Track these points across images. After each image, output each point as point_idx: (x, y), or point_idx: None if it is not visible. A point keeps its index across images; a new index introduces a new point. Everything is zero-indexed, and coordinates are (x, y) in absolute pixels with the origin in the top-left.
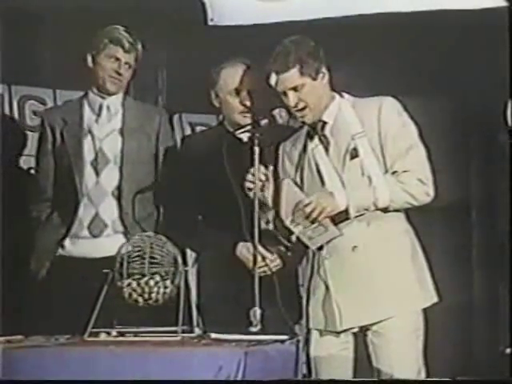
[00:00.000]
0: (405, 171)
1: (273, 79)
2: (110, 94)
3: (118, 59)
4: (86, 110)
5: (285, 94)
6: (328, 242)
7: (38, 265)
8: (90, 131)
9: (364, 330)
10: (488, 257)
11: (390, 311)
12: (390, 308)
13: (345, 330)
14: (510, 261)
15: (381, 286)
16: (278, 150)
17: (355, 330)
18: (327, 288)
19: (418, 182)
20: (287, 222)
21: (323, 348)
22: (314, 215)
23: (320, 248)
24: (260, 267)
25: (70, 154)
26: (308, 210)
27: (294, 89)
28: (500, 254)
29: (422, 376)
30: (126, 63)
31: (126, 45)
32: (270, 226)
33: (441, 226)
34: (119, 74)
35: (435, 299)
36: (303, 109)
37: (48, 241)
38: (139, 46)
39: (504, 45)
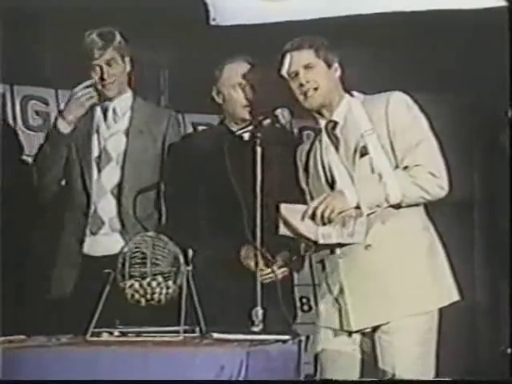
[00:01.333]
0: (416, 165)
1: (286, 60)
2: (111, 99)
3: (97, 66)
4: (98, 110)
5: (296, 74)
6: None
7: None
8: (97, 131)
9: (374, 329)
10: (490, 256)
11: (403, 311)
12: (403, 308)
13: (359, 330)
14: (510, 259)
15: (395, 285)
16: (295, 156)
17: (367, 330)
18: (342, 288)
19: (429, 176)
20: (321, 241)
21: (336, 348)
22: (327, 215)
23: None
24: (265, 275)
25: (79, 151)
26: (319, 211)
27: (306, 66)
28: (501, 254)
29: (431, 376)
30: (107, 62)
31: (96, 52)
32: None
33: (443, 224)
34: (104, 79)
35: (455, 298)
36: (313, 90)
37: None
38: (112, 37)
39: (504, 45)
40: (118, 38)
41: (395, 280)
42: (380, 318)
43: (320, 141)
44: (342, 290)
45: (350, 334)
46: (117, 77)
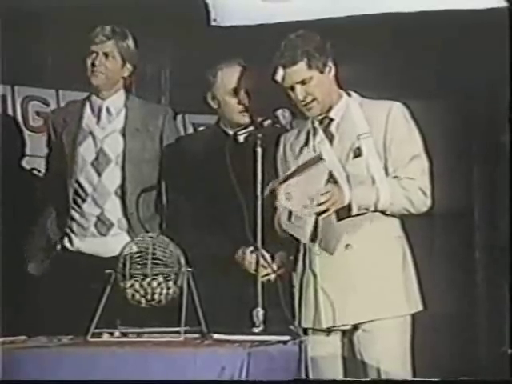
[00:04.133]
0: (408, 178)
1: (279, 74)
2: (98, 91)
3: (93, 52)
4: (87, 111)
5: (292, 88)
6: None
7: (38, 263)
8: (90, 132)
9: (352, 328)
10: (490, 257)
11: (377, 312)
12: (377, 309)
13: (331, 328)
14: (510, 261)
15: (370, 287)
16: (279, 140)
17: (345, 327)
18: (317, 285)
19: (419, 191)
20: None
21: (314, 347)
22: (328, 205)
23: (312, 239)
24: (264, 275)
25: (67, 153)
26: (323, 199)
27: (302, 82)
28: (501, 256)
29: (408, 371)
30: (105, 54)
31: (99, 37)
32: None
33: (443, 228)
34: (95, 66)
35: (420, 307)
36: (311, 102)
37: (49, 240)
38: (118, 33)
39: (504, 45)
40: (129, 41)
41: (372, 282)
42: (352, 318)
43: (315, 135)
44: (316, 287)
45: (326, 333)
46: (108, 70)
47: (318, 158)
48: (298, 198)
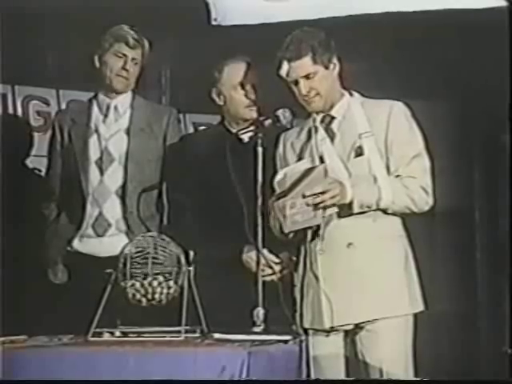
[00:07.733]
0: (409, 177)
1: (284, 68)
2: (117, 93)
3: (124, 55)
4: (95, 110)
5: (296, 82)
6: (318, 234)
7: (49, 265)
8: (96, 131)
9: (355, 328)
10: (490, 256)
11: (379, 312)
12: (379, 309)
13: (333, 328)
14: (510, 260)
15: (373, 286)
16: (278, 138)
17: (348, 327)
18: (318, 285)
19: (420, 190)
20: (287, 205)
21: (316, 347)
22: (325, 198)
23: (314, 238)
24: (266, 275)
25: (76, 153)
26: (319, 189)
27: (306, 77)
28: (502, 255)
29: (410, 371)
30: (133, 59)
31: (131, 41)
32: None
33: (444, 227)
34: (125, 70)
35: (421, 307)
36: (314, 96)
37: (57, 241)
38: (145, 42)
39: (504, 45)
40: (146, 47)
41: (374, 281)
42: (354, 318)
43: (316, 133)
44: (318, 287)
45: (328, 332)
46: (130, 76)
47: (312, 168)
48: (301, 203)
